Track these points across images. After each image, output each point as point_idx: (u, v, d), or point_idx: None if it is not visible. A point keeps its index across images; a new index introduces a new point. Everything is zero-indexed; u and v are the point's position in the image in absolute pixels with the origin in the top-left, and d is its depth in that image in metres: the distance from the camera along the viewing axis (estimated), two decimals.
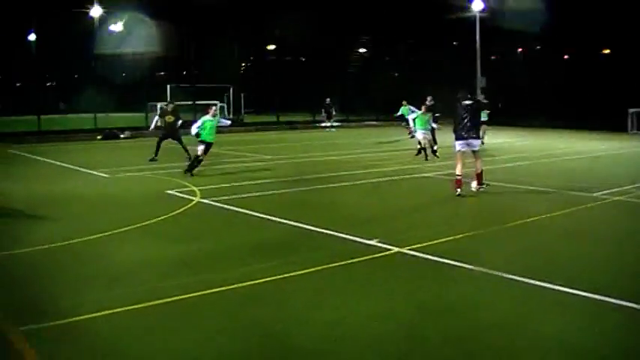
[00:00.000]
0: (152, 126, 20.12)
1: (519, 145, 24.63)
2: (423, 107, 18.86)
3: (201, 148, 15.09)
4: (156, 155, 17.68)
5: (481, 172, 12.14)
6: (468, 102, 12.02)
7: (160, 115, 19.65)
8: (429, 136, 18.35)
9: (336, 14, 46.87)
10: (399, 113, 26.49)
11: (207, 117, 15.44)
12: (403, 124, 26.38)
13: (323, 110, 36.53)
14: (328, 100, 36.22)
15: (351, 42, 46.75)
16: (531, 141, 26.81)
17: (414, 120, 18.69)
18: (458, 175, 11.87)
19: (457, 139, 12.06)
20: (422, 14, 44.36)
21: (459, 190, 11.79)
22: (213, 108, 16.70)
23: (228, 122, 18.91)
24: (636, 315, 5.67)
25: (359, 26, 45.89)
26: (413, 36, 49.13)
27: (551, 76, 41.31)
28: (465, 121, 11.89)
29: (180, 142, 17.58)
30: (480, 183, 12.15)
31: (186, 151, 17.15)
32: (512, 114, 39.94)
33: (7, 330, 5.30)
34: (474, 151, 12.09)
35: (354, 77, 45.54)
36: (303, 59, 58.87)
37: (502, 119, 38.57)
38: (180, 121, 17.98)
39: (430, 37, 47.81)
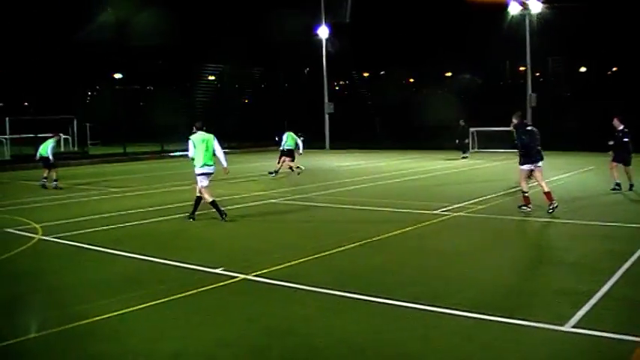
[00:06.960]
0: None
1: (370, 167, 25.69)
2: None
3: None
4: None
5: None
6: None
7: None
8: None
9: (184, 41, 46.69)
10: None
11: None
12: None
13: None
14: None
15: (199, 70, 46.33)
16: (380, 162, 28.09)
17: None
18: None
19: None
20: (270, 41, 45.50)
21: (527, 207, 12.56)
22: None
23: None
24: (496, 327, 6.17)
25: (207, 54, 45.78)
26: (263, 63, 50.10)
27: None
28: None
29: None
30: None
31: None
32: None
33: None
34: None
35: (204, 105, 44.86)
36: (152, 88, 57.65)
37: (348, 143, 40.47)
38: None
39: (281, 63, 49.23)
